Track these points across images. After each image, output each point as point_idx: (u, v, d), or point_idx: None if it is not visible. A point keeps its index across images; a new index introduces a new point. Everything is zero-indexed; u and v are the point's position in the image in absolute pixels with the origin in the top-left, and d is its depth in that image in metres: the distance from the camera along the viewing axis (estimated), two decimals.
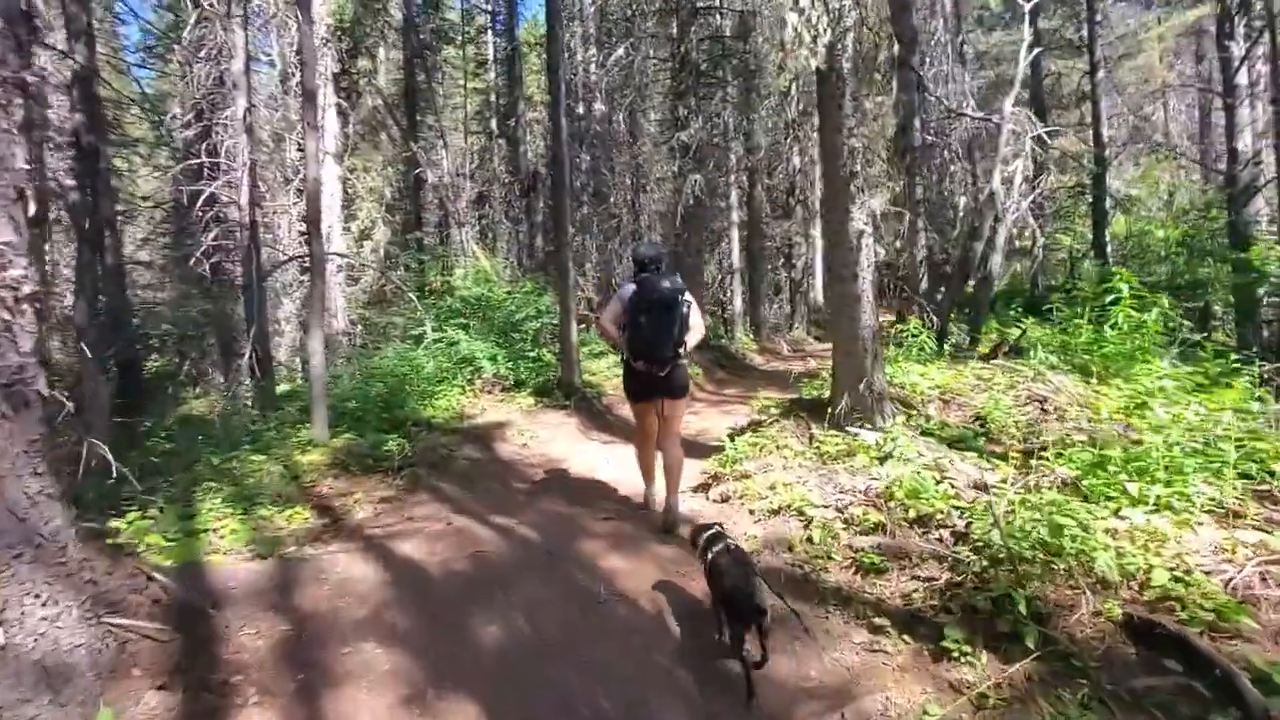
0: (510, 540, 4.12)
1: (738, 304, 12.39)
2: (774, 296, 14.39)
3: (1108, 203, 13.46)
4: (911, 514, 3.53)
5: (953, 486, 3.67)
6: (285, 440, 6.10)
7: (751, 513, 4.22)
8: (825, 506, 3.85)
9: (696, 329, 4.10)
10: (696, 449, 6.06)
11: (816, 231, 15.28)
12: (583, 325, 12.06)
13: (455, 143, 19.63)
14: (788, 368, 11.36)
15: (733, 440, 5.18)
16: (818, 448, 4.75)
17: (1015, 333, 7.47)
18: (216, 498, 4.59)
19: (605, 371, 9.50)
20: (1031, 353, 6.37)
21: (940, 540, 3.28)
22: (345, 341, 12.95)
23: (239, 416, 8.00)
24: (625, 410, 8.78)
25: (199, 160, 10.18)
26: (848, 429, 4.87)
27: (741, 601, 2.55)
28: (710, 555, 2.87)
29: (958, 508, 3.46)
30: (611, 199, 11.63)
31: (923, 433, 4.71)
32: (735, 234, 12.36)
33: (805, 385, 6.76)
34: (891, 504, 3.67)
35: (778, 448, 4.97)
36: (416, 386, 8.11)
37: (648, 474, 4.68)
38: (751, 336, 12.33)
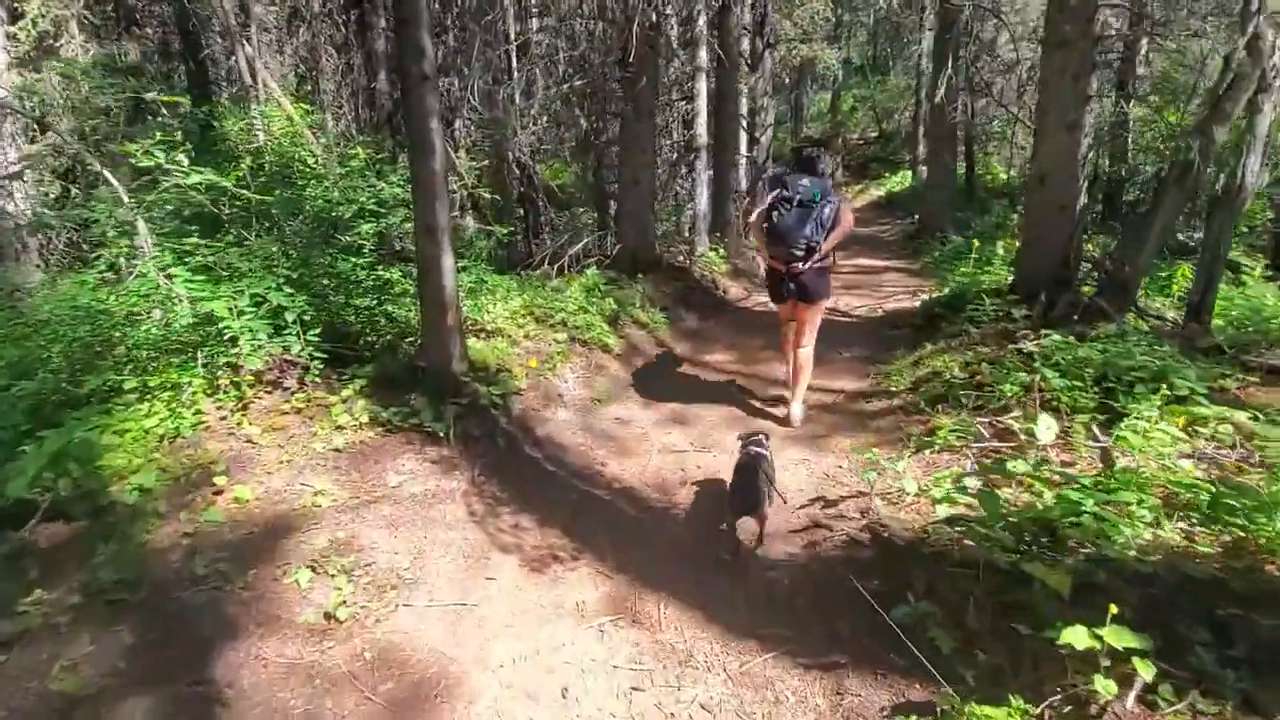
0: None
1: (703, 201, 8.13)
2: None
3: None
4: None
5: None
6: None
7: None
8: None
9: (837, 231, 3.93)
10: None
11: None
12: (475, 232, 7.45)
13: None
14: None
15: None
16: None
17: None
18: None
19: (511, 329, 5.22)
20: None
21: None
22: (30, 246, 7.48)
23: None
24: (573, 439, 4.25)
25: None
26: None
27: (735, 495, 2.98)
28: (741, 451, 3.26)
29: None
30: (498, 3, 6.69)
31: None
32: (704, 88, 7.85)
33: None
34: None
35: None
36: (109, 373, 3.72)
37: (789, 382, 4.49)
38: (720, 252, 8.30)
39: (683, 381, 5.33)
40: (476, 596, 2.77)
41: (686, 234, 8.39)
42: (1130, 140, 9.77)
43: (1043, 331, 4.19)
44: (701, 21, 7.51)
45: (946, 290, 6.02)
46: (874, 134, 23.41)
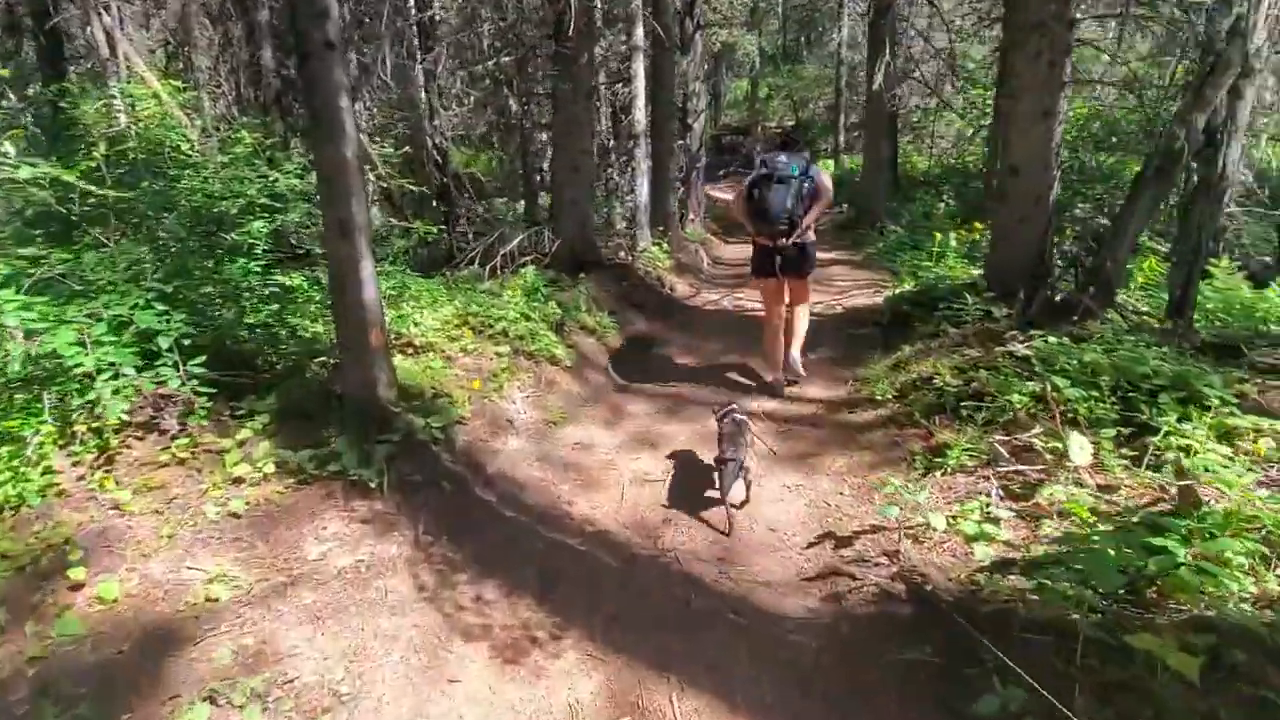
0: None
1: (644, 192, 7.58)
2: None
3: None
4: None
5: None
6: None
7: None
8: None
9: (819, 203, 4.10)
10: None
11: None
12: (384, 224, 6.57)
13: None
14: (738, 306, 7.15)
15: None
16: None
17: None
18: None
19: (444, 343, 4.50)
20: None
21: None
22: None
23: None
24: (530, 473, 3.60)
25: None
26: None
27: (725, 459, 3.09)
28: (719, 423, 3.41)
29: None
30: None
31: None
32: (641, 69, 7.25)
33: None
34: None
35: None
36: None
37: (771, 362, 4.51)
38: (663, 247, 7.77)
39: (643, 395, 4.80)
40: (438, 710, 2.15)
41: (622, 227, 7.83)
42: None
43: (1032, 332, 3.94)
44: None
45: (909, 285, 5.78)
46: (790, 123, 23.55)
